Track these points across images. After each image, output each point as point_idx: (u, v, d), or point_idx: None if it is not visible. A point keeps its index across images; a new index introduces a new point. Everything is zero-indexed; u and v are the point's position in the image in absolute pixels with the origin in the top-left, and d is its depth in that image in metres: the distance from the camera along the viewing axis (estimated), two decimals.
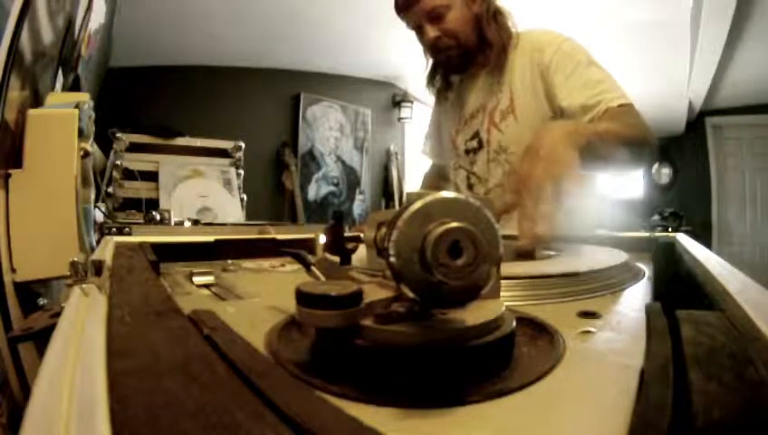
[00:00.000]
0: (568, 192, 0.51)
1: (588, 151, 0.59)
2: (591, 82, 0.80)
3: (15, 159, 0.78)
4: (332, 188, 3.43)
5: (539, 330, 0.26)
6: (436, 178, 1.19)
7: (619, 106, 0.77)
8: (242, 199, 2.22)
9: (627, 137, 0.70)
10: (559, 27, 0.92)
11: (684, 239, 0.59)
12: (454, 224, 0.19)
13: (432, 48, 0.93)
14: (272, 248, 0.71)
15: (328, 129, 3.39)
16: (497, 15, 0.91)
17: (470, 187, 1.02)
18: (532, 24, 0.95)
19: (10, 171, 0.76)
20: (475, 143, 0.98)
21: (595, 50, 0.85)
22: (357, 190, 3.58)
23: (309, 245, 0.71)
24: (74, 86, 1.25)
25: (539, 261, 0.48)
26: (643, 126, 0.76)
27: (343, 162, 3.50)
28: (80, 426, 0.14)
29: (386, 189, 3.77)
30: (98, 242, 0.86)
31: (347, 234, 0.47)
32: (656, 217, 3.93)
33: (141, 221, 1.48)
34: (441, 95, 1.08)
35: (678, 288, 0.42)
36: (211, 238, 0.70)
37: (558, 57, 0.84)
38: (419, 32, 0.92)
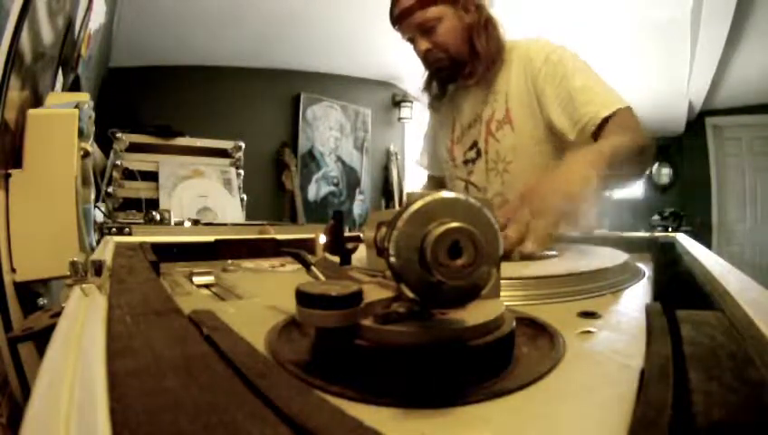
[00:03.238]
0: (570, 217, 0.54)
1: (602, 178, 0.61)
2: (577, 91, 0.80)
3: (15, 159, 0.78)
4: (332, 188, 3.43)
5: (539, 330, 0.26)
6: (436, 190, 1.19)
7: (612, 115, 0.76)
8: (242, 199, 2.22)
9: (632, 149, 0.71)
10: (560, 29, 0.92)
11: (684, 239, 0.59)
12: (454, 224, 0.19)
13: (424, 60, 0.94)
14: (272, 248, 0.71)
15: (328, 129, 3.39)
16: (488, 26, 0.90)
17: None
18: (533, 27, 0.94)
19: (10, 171, 0.76)
20: (473, 153, 0.98)
21: (595, 51, 0.85)
22: (357, 190, 3.58)
23: (309, 245, 0.70)
24: (74, 86, 1.25)
25: (539, 261, 0.48)
26: (640, 130, 0.76)
27: (343, 162, 3.50)
28: (80, 426, 0.14)
29: (386, 189, 3.77)
30: (98, 242, 0.86)
31: (347, 234, 0.46)
32: (656, 217, 3.93)
33: (141, 221, 1.48)
34: (435, 103, 1.08)
35: (678, 288, 0.42)
36: (211, 238, 0.70)
37: (546, 68, 0.85)
38: (413, 43, 0.93)
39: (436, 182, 1.19)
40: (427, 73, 1.02)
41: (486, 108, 0.94)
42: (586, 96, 0.79)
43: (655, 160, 0.93)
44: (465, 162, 1.00)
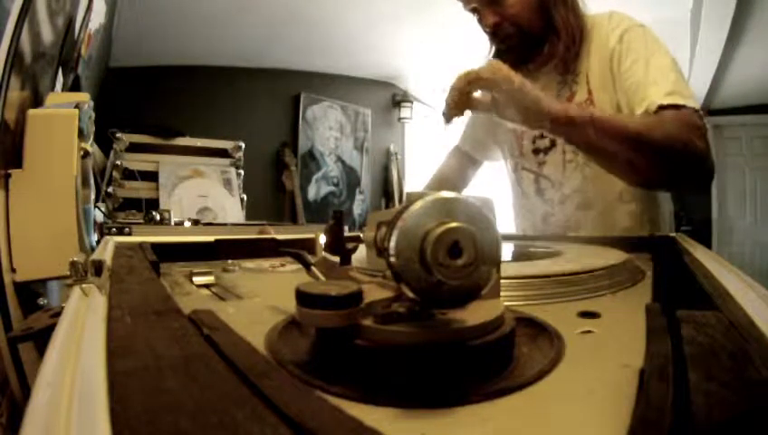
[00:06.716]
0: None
1: (573, 131, 0.62)
2: (644, 78, 0.72)
3: (15, 159, 0.78)
4: (332, 188, 3.43)
5: (539, 330, 0.26)
6: (458, 168, 1.08)
7: (671, 107, 0.69)
8: (242, 199, 2.22)
9: (654, 142, 0.62)
10: None
11: (684, 239, 0.59)
12: (454, 224, 0.19)
13: (491, 35, 0.82)
14: (272, 248, 0.71)
15: (328, 129, 3.39)
16: None
17: (540, 192, 0.89)
18: None
19: (10, 171, 0.76)
20: (546, 141, 0.86)
21: None
22: (357, 190, 3.58)
23: (309, 245, 0.70)
24: (74, 86, 1.25)
25: (539, 261, 0.48)
26: (679, 135, 0.66)
27: (343, 162, 3.49)
28: (80, 426, 0.14)
29: (386, 189, 3.77)
30: (98, 242, 0.86)
31: (347, 234, 0.46)
32: None
33: (141, 221, 1.48)
34: None
35: (678, 288, 0.42)
36: (211, 238, 0.70)
37: (620, 47, 0.77)
38: (477, 15, 0.82)
39: (462, 156, 1.09)
40: (492, 51, 0.89)
41: (564, 88, 0.82)
42: (652, 87, 0.70)
43: (705, 185, 0.82)
44: (536, 151, 0.87)
